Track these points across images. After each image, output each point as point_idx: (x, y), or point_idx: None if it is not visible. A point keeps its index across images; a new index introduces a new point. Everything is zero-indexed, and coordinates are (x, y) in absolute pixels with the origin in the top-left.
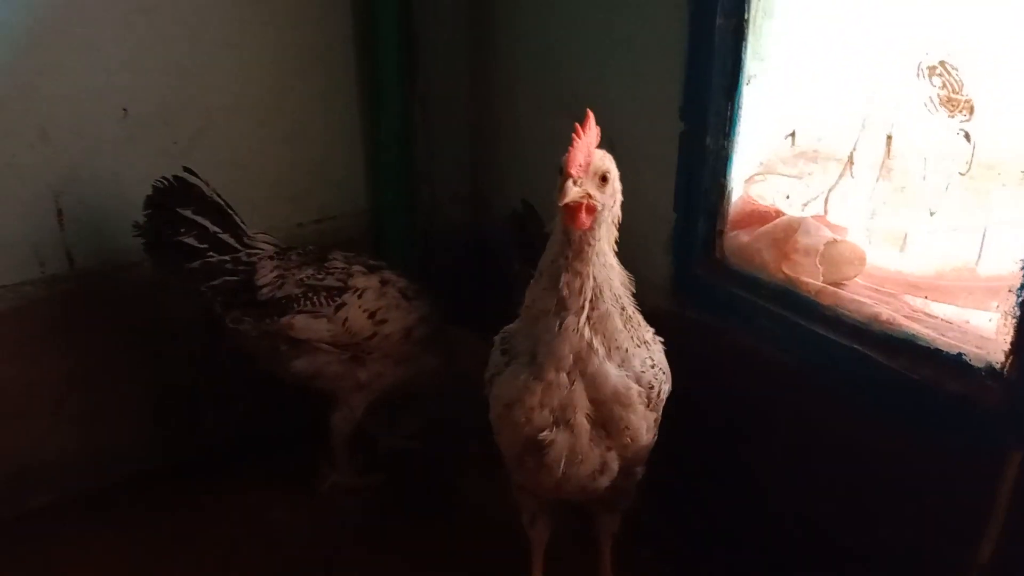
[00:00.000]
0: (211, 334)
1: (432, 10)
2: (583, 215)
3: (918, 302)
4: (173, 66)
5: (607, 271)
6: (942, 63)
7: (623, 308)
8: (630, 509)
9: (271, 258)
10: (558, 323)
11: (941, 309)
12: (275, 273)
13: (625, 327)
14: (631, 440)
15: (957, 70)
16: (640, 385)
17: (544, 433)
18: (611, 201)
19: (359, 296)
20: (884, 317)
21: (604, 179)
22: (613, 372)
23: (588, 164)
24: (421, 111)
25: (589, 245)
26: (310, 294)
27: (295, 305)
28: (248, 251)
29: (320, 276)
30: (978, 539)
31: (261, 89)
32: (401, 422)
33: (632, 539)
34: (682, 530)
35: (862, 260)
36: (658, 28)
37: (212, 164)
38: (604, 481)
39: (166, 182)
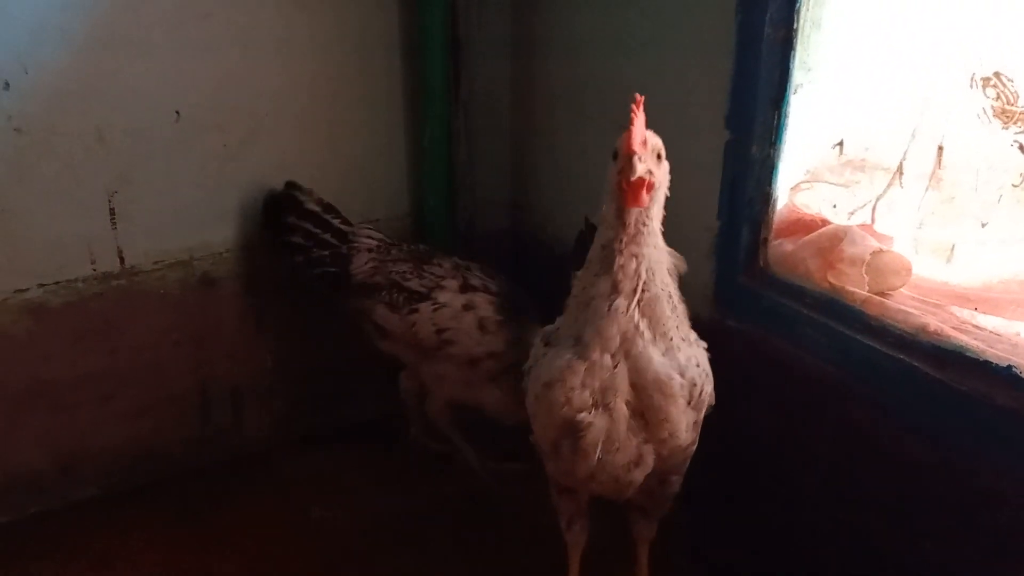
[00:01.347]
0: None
1: (476, 16)
2: (644, 193)
3: (966, 313)
4: (224, 71)
5: (659, 253)
6: (996, 74)
7: (670, 295)
8: (667, 517)
9: (369, 250)
10: (608, 305)
11: (990, 321)
12: (370, 265)
13: (672, 314)
14: (669, 435)
15: (1012, 81)
16: (683, 378)
17: (582, 415)
18: (665, 179)
19: (435, 310)
20: (932, 328)
21: (659, 156)
22: (656, 357)
23: (646, 141)
24: (463, 117)
25: (644, 225)
26: (393, 290)
27: (378, 294)
28: (348, 245)
29: (408, 277)
30: None
31: (309, 94)
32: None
33: (669, 548)
34: (721, 540)
35: (908, 270)
36: (705, 38)
37: (260, 167)
38: (639, 475)
39: (273, 193)
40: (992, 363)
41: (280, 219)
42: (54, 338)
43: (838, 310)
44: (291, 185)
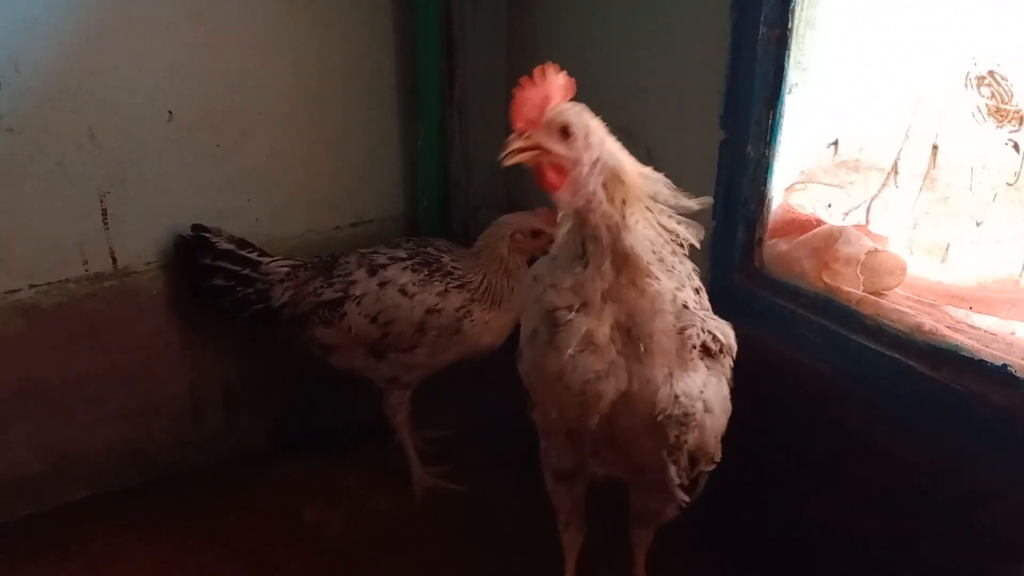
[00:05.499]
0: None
1: (471, 17)
2: (551, 174)
3: (960, 313)
4: (218, 72)
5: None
6: (991, 73)
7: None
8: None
9: (281, 281)
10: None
11: (984, 320)
12: (288, 294)
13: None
14: (647, 350)
15: (1007, 80)
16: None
17: (562, 312)
18: (591, 157)
19: (357, 303)
20: (927, 327)
21: (565, 132)
22: (660, 383)
23: (539, 117)
24: (457, 117)
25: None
26: (319, 309)
27: (311, 319)
28: (263, 279)
29: (321, 290)
30: (1021, 555)
31: (303, 96)
32: (429, 424)
33: (665, 548)
34: (716, 541)
35: (903, 270)
36: (700, 37)
37: (253, 167)
38: (607, 388)
39: (182, 237)
40: (987, 362)
41: (196, 261)
42: (46, 339)
43: (833, 310)
44: (198, 227)
